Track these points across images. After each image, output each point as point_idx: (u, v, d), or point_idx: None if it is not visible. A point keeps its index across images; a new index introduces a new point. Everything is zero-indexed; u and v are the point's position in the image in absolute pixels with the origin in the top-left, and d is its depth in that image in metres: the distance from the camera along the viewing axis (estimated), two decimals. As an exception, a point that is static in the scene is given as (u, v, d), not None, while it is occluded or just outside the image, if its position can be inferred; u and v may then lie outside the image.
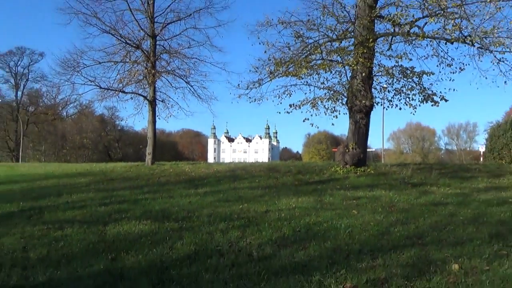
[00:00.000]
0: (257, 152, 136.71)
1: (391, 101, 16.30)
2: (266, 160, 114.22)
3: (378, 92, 16.66)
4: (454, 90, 15.55)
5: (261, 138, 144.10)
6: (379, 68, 16.30)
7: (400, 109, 16.14)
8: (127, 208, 9.06)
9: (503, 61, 14.53)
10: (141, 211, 8.75)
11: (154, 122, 23.24)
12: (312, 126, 17.35)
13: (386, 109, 17.76)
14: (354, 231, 6.77)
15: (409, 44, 15.60)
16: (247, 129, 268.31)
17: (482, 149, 41.16)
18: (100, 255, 5.74)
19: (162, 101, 23.87)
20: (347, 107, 16.09)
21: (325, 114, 16.27)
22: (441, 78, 15.44)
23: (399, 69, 15.79)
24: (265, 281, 4.62)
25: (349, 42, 16.26)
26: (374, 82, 16.29)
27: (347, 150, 15.69)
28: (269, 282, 4.58)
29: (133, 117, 25.59)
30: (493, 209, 8.54)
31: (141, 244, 6.20)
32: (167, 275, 4.90)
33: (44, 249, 6.03)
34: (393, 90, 16.14)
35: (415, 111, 16.02)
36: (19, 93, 70.03)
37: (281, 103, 16.38)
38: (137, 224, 7.45)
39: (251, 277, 4.76)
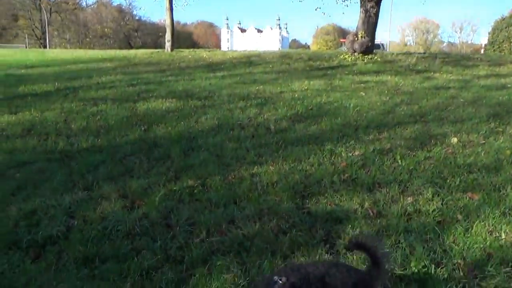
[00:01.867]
0: (267, 43, 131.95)
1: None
2: (276, 50, 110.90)
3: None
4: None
5: (271, 29, 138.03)
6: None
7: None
8: (153, 89, 9.04)
9: None
10: (166, 91, 8.73)
11: (171, 9, 22.11)
12: (324, 15, 16.62)
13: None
14: (362, 110, 6.76)
15: None
16: (259, 20, 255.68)
17: (484, 41, 39.16)
18: (133, 127, 5.88)
19: (178, -11, 22.47)
20: (359, -5, 14.99)
21: (337, 3, 15.26)
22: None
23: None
24: (282, 149, 4.74)
25: None
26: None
27: (356, 39, 15.01)
28: (286, 150, 4.70)
29: (151, 4, 24.40)
30: (492, 93, 8.37)
31: (169, 118, 6.31)
32: (195, 143, 5.05)
33: (83, 121, 6.19)
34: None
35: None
36: (40, -18, 66.33)
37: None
38: (164, 102, 7.50)
39: (270, 145, 4.89)
